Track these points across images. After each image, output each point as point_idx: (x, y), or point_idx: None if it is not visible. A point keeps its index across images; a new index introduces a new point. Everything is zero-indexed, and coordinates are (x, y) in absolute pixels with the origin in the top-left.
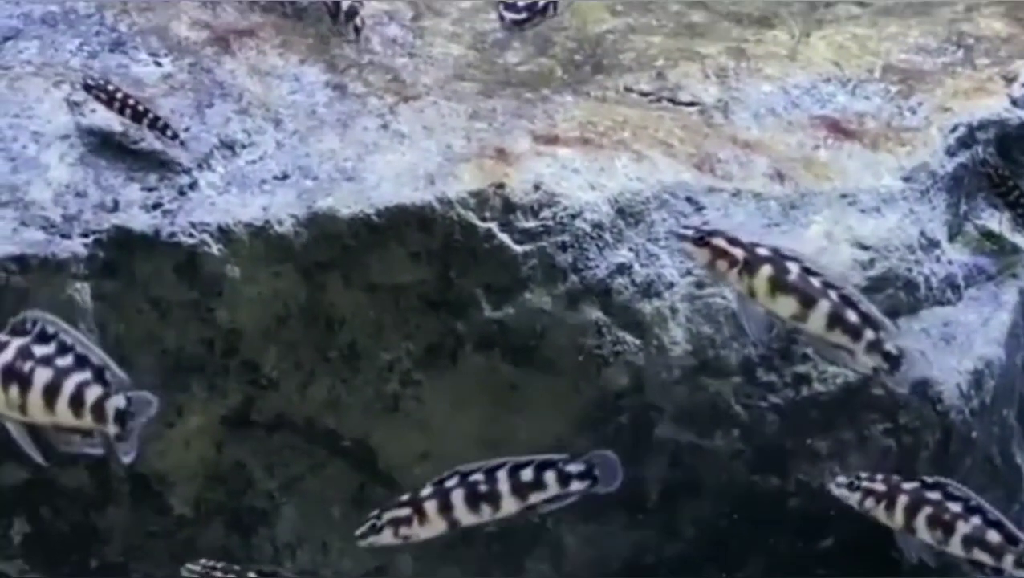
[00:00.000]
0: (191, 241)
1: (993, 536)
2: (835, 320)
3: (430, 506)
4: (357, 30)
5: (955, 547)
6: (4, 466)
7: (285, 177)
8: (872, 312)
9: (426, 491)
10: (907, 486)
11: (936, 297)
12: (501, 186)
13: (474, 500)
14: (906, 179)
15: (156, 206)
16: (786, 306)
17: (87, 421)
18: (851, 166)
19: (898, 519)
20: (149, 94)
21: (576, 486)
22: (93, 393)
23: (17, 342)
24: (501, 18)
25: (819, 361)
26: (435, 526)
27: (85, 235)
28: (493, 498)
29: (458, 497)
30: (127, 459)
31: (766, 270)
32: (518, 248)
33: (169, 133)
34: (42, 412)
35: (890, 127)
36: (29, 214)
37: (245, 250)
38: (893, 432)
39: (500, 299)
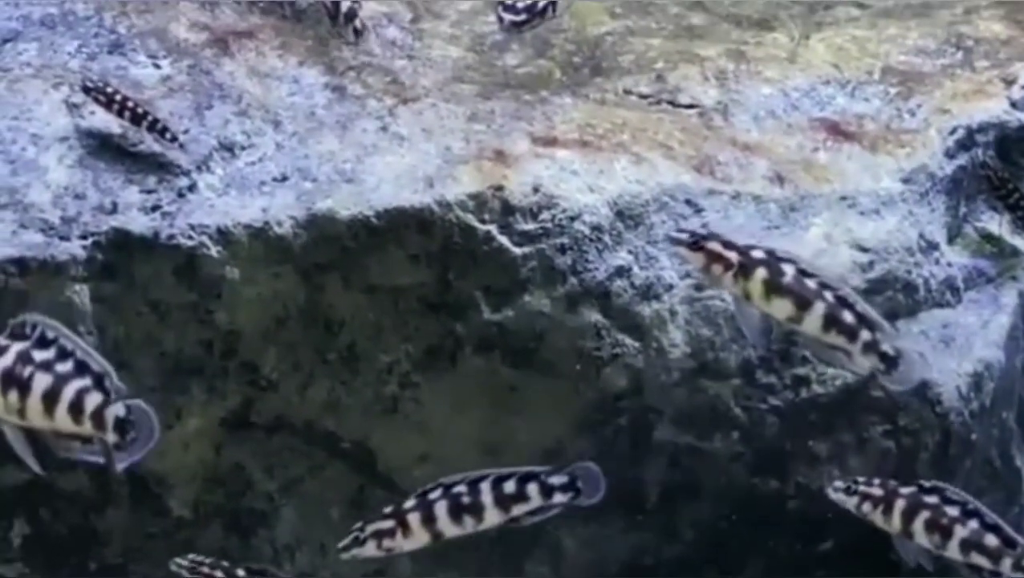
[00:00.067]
0: (190, 243)
1: (991, 540)
2: (831, 321)
3: (413, 518)
4: (357, 32)
5: (953, 551)
6: (4, 468)
7: (284, 179)
8: (868, 313)
9: (409, 503)
10: (904, 490)
11: (935, 299)
12: (500, 188)
13: (457, 512)
14: (905, 181)
15: (155, 208)
16: (782, 308)
17: (86, 428)
18: (850, 168)
19: (895, 523)
20: (148, 96)
21: (559, 498)
22: (93, 400)
23: (17, 346)
24: (500, 20)
25: (818, 363)
26: (418, 538)
27: (84, 237)
28: (476, 510)
29: (441, 509)
30: (121, 466)
31: (761, 273)
32: (517, 250)
33: (168, 135)
34: (41, 417)
35: (889, 129)
36: (28, 216)
37: (244, 252)
38: (892, 434)
39: (499, 301)
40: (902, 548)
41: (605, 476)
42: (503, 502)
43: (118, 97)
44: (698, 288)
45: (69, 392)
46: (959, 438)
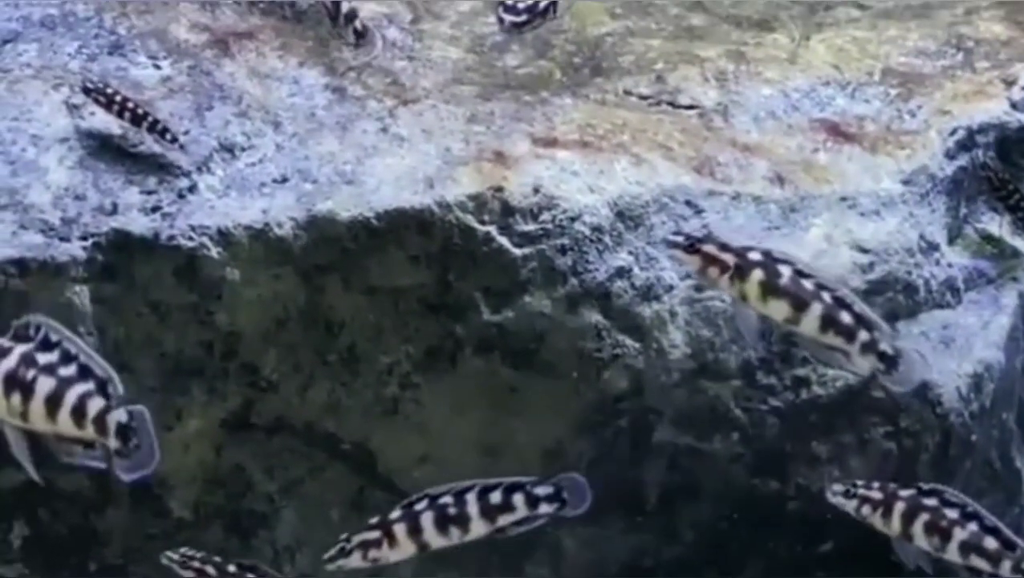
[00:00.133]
0: (190, 244)
1: (990, 542)
2: (828, 322)
3: (399, 529)
4: (357, 33)
5: (952, 554)
6: (3, 470)
7: (284, 180)
8: (866, 313)
9: (395, 514)
10: (904, 493)
11: (936, 300)
12: (500, 189)
13: (443, 523)
14: (906, 182)
15: (155, 209)
16: (779, 310)
17: (88, 433)
18: (850, 169)
19: (895, 526)
20: (148, 97)
21: (544, 509)
22: (95, 405)
23: (20, 349)
24: (500, 21)
25: (819, 364)
26: (405, 549)
27: (84, 238)
28: (462, 521)
29: (427, 520)
30: (127, 477)
31: (757, 275)
32: (517, 251)
33: (168, 136)
34: (43, 421)
35: (890, 130)
36: (28, 217)
37: (244, 253)
38: (893, 435)
39: (499, 302)
40: (901, 551)
41: (605, 476)
42: (489, 513)
43: (118, 98)
44: (698, 289)
45: (72, 396)
46: (959, 439)
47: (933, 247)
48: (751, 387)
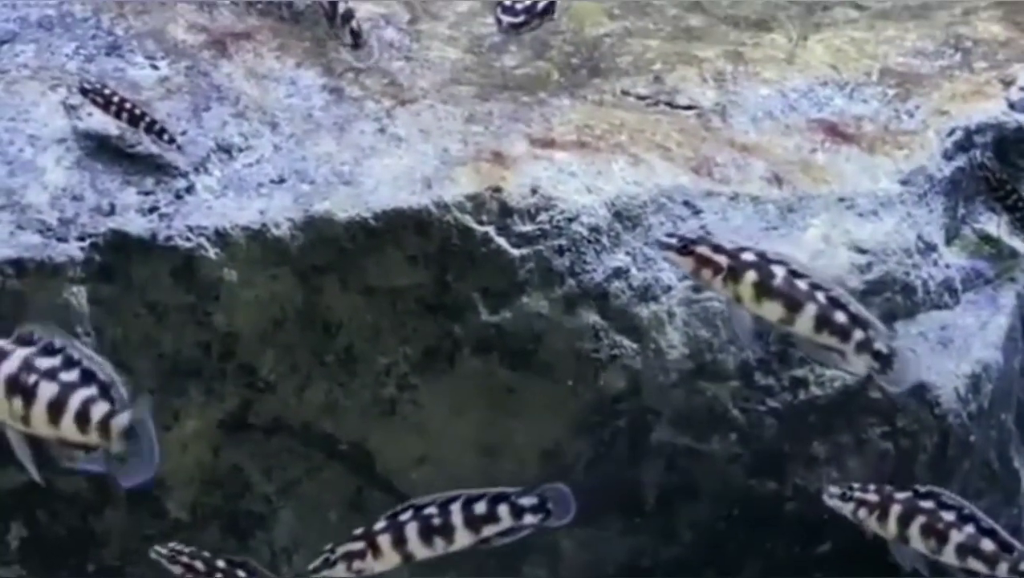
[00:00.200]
0: (188, 245)
1: (987, 544)
2: (823, 322)
3: (384, 540)
4: (355, 34)
5: (949, 556)
6: (2, 471)
7: (282, 181)
8: (861, 312)
9: (380, 525)
10: (900, 496)
11: (934, 301)
12: (498, 190)
13: (428, 533)
14: (903, 183)
15: (153, 210)
16: (773, 310)
17: (92, 438)
18: (848, 169)
19: (892, 529)
20: (146, 97)
21: (529, 519)
22: (99, 410)
23: (22, 353)
24: (498, 22)
25: (816, 365)
26: (389, 559)
27: (81, 239)
28: (447, 531)
29: (412, 530)
30: (127, 483)
31: (751, 276)
32: (515, 252)
33: (166, 137)
34: (46, 426)
35: (887, 130)
36: (25, 217)
37: (242, 253)
38: (891, 436)
39: (497, 303)
40: (898, 553)
41: (603, 477)
42: (473, 523)
43: (116, 99)
44: (696, 290)
45: (75, 401)
46: (957, 440)
47: (931, 247)
48: (749, 388)
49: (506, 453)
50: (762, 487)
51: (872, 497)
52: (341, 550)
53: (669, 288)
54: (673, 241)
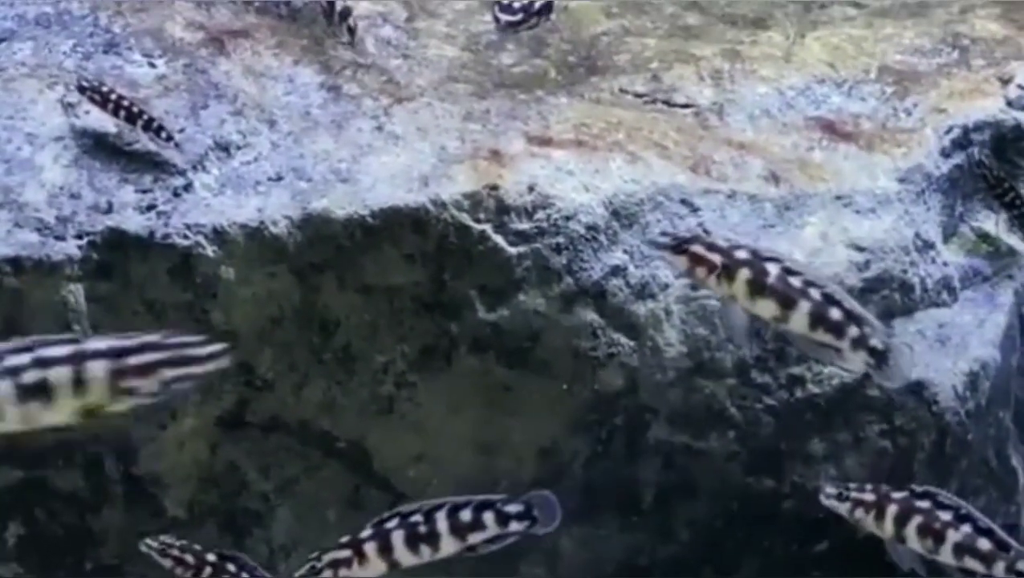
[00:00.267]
0: (185, 243)
1: (984, 544)
2: (817, 319)
3: (370, 547)
4: (351, 31)
5: (946, 556)
6: None
7: (280, 178)
8: (856, 309)
9: (366, 532)
10: (896, 495)
11: (931, 299)
12: (495, 188)
13: (413, 541)
14: (901, 180)
15: (150, 208)
16: (767, 308)
17: None
18: (846, 167)
19: (888, 529)
20: (143, 95)
21: (515, 526)
22: None
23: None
24: (496, 20)
25: (814, 363)
26: (375, 567)
27: (79, 237)
28: (432, 539)
29: (398, 538)
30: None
31: (744, 274)
32: (512, 250)
33: (163, 135)
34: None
35: (885, 128)
36: (23, 216)
37: (240, 251)
38: (889, 434)
39: (494, 301)
40: (895, 553)
41: (600, 475)
42: (459, 530)
43: (113, 96)
44: (693, 287)
45: None
46: (955, 437)
47: (929, 245)
48: (746, 385)
49: (503, 451)
50: (760, 485)
51: (868, 497)
52: (327, 558)
53: (666, 286)
54: (667, 240)
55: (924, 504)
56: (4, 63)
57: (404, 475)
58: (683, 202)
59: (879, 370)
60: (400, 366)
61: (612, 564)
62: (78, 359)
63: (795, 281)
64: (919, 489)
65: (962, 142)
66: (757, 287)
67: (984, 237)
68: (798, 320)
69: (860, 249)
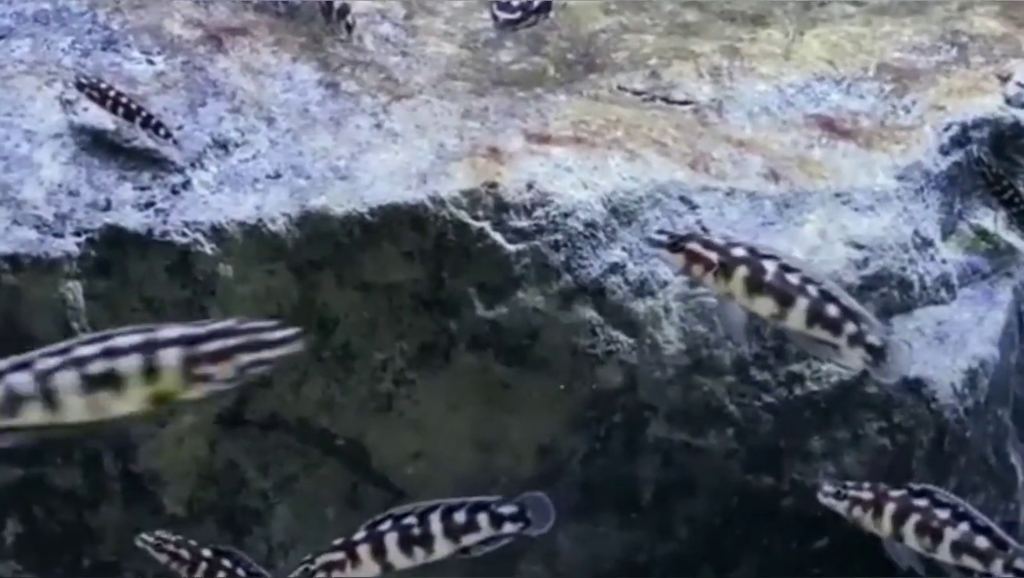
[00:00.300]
0: (184, 240)
1: (982, 542)
2: (815, 316)
3: (363, 549)
4: (349, 28)
5: (944, 553)
6: None
7: (278, 176)
8: (853, 305)
9: (359, 535)
10: (894, 494)
11: (930, 296)
12: (494, 185)
13: (407, 543)
14: (900, 178)
15: (149, 205)
16: (764, 306)
17: None
18: (845, 165)
19: (886, 527)
20: (142, 92)
21: (509, 528)
22: None
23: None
24: (494, 18)
25: (813, 360)
26: (368, 569)
27: (78, 234)
28: (426, 540)
29: (391, 540)
30: None
31: (741, 271)
32: (511, 247)
33: (162, 132)
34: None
35: (884, 126)
36: (21, 213)
37: (238, 249)
38: (887, 431)
39: (493, 298)
40: (893, 551)
41: (599, 473)
42: (453, 532)
43: (112, 93)
44: (692, 285)
45: None
46: (954, 435)
47: (927, 243)
48: (745, 383)
49: (502, 449)
50: (759, 482)
51: (866, 495)
52: (320, 560)
53: (665, 283)
54: (663, 238)
55: (922, 502)
56: (2, 60)
57: (403, 473)
58: (682, 199)
59: (876, 367)
60: (399, 364)
61: (611, 562)
62: (150, 347)
63: (792, 278)
64: (917, 487)
65: (961, 139)
66: (754, 284)
67: (983, 234)
68: (795, 317)
69: (859, 247)
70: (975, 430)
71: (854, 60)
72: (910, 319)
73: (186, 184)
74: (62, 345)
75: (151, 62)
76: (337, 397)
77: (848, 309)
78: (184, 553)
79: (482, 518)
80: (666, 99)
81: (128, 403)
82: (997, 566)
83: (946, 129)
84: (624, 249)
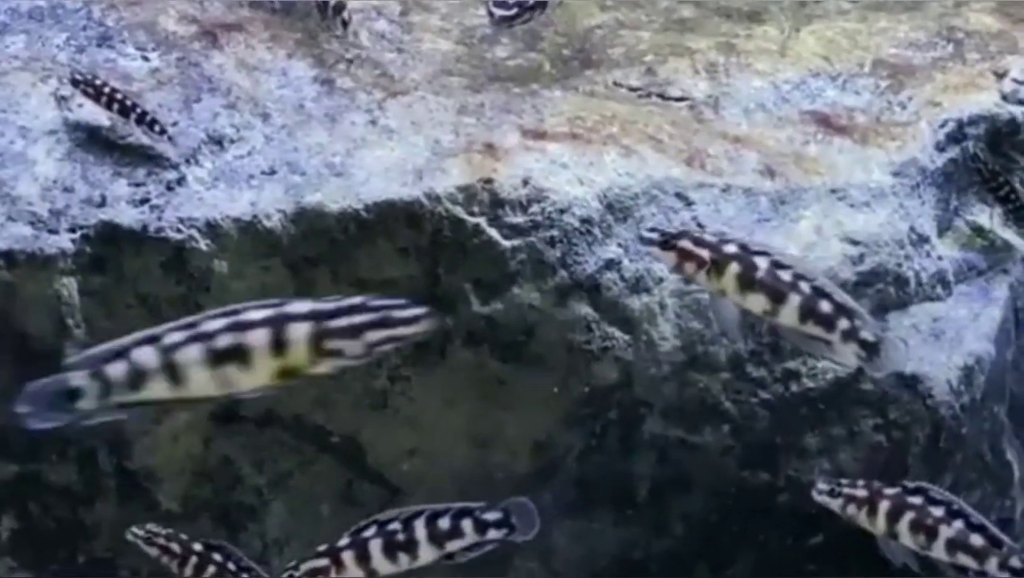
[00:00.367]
0: (179, 236)
1: (976, 540)
2: (807, 312)
3: (347, 556)
4: (345, 25)
5: (939, 551)
6: None
7: (273, 172)
8: (846, 301)
9: (343, 541)
10: (889, 491)
11: (926, 293)
12: (489, 181)
13: (391, 549)
14: (896, 174)
15: (144, 201)
16: (757, 302)
17: None
18: (841, 161)
19: (880, 525)
20: (137, 89)
21: (493, 534)
22: None
23: None
24: (490, 14)
25: (808, 357)
26: (353, 575)
27: (72, 230)
28: (410, 547)
29: (375, 547)
30: None
31: (733, 269)
32: (506, 243)
33: (157, 128)
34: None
35: (880, 122)
36: (16, 209)
37: (233, 245)
38: (883, 428)
39: (488, 294)
40: (887, 549)
41: (595, 469)
42: (437, 538)
43: (107, 90)
44: (688, 281)
45: None
46: (950, 432)
47: (923, 239)
48: (741, 379)
49: (497, 445)
50: (755, 479)
51: (861, 493)
52: (305, 567)
53: (661, 280)
54: (655, 236)
55: (916, 500)
56: None
57: (398, 469)
58: (678, 196)
59: (870, 362)
60: (394, 360)
61: (606, 558)
62: (280, 321)
63: (784, 275)
64: (911, 485)
65: (957, 136)
66: (746, 281)
67: (979, 231)
68: (788, 314)
69: (855, 243)
70: (971, 427)
71: (850, 56)
72: (906, 315)
73: (181, 180)
74: (189, 319)
75: (146, 58)
76: (332, 394)
77: (841, 305)
78: (175, 546)
79: (466, 524)
80: (662, 95)
81: (255, 378)
82: (992, 564)
83: (942, 125)
84: (620, 245)
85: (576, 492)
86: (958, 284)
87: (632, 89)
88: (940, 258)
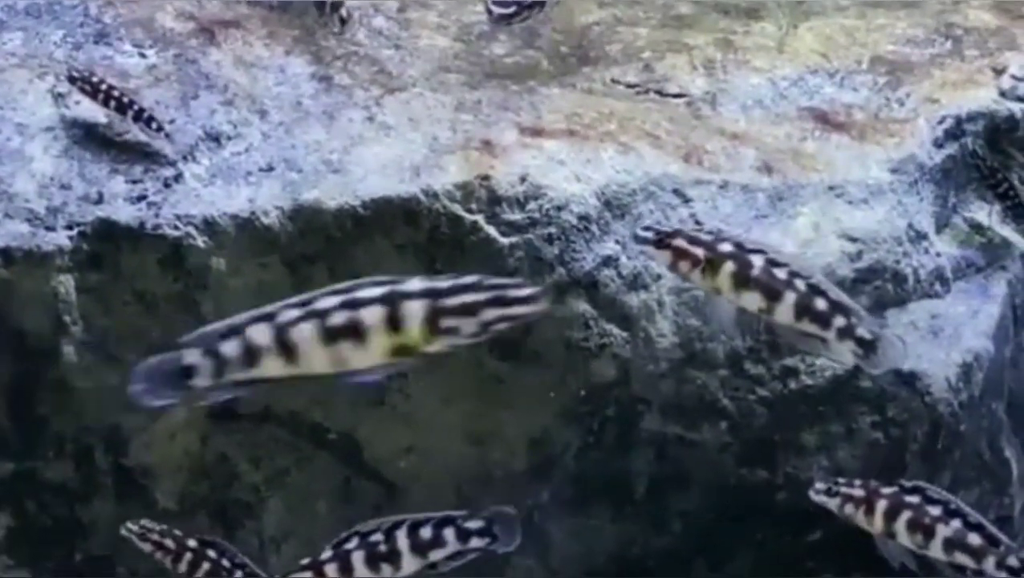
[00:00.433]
0: (176, 233)
1: (974, 539)
2: (803, 310)
3: (331, 569)
4: (343, 21)
5: (936, 550)
6: None
7: (271, 169)
8: (842, 299)
9: (326, 554)
10: (886, 491)
11: (924, 289)
12: (487, 178)
13: (374, 560)
14: (894, 171)
15: (141, 198)
16: (752, 301)
17: None
18: (839, 158)
19: (878, 524)
20: (134, 85)
21: (475, 543)
22: None
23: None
24: (488, 12)
25: (806, 354)
26: None
27: (70, 227)
28: (393, 557)
29: (358, 558)
30: None
31: (728, 267)
32: (504, 240)
33: (154, 125)
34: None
35: (878, 119)
36: (13, 206)
37: (230, 242)
38: (881, 425)
39: None
40: (885, 548)
41: (593, 467)
42: (420, 548)
43: (104, 86)
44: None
45: None
46: (948, 429)
47: (922, 236)
48: (739, 377)
49: (495, 442)
50: (753, 476)
51: (858, 492)
52: None
53: (659, 277)
54: (649, 235)
55: (913, 499)
56: None
57: (395, 467)
58: (675, 192)
59: (867, 360)
60: None
61: (604, 556)
62: (395, 299)
63: (780, 273)
64: (909, 484)
65: (955, 132)
66: (741, 280)
67: (977, 228)
68: (784, 311)
69: (853, 240)
70: (969, 424)
71: (848, 53)
72: (904, 313)
73: (178, 177)
74: (304, 296)
75: (143, 55)
76: (329, 391)
77: (837, 302)
78: (169, 542)
79: (448, 533)
80: (660, 92)
81: (369, 356)
82: (989, 563)
83: (940, 122)
84: (617, 242)
85: (574, 489)
86: (956, 281)
87: (630, 86)
88: (938, 255)
